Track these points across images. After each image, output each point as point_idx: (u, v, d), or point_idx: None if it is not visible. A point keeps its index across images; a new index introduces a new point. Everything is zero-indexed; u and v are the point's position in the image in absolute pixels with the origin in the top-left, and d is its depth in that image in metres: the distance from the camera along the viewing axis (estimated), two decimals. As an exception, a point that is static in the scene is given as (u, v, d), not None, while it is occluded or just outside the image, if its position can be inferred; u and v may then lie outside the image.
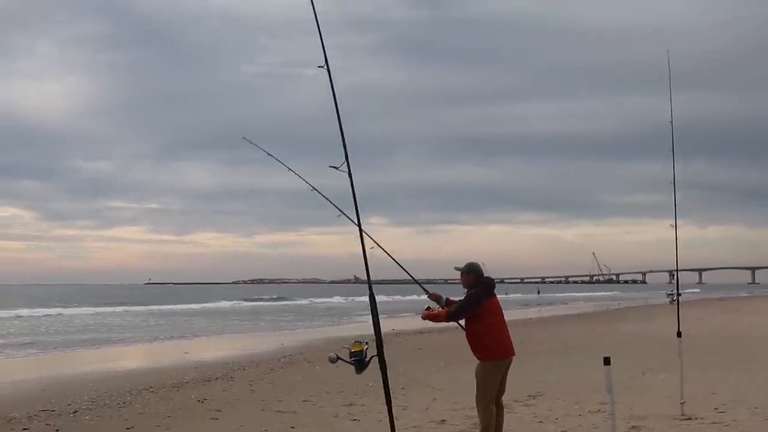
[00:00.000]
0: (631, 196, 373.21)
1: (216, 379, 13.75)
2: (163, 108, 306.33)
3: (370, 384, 12.20)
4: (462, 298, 7.08)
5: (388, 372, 5.26)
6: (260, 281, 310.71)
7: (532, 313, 45.53)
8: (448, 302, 7.37)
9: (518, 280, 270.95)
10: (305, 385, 12.55)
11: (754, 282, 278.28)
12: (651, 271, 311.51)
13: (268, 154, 6.75)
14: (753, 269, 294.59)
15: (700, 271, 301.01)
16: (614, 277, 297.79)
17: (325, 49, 5.43)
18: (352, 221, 5.30)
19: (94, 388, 12.75)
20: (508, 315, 7.58)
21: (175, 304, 59.82)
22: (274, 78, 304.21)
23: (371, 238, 5.75)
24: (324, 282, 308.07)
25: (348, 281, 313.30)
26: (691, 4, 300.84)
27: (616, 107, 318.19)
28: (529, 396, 10.52)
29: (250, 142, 6.79)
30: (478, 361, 6.95)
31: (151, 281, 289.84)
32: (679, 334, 8.16)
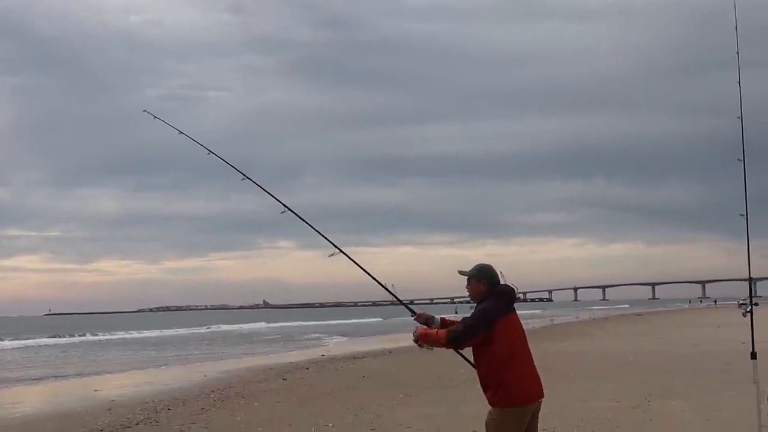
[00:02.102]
0: (534, 215, 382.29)
1: (137, 424, 11.38)
2: (63, 133, 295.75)
3: (330, 425, 10.23)
4: (467, 316, 5.19)
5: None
6: (167, 308, 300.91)
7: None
8: (444, 324, 5.45)
9: (428, 301, 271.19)
10: (250, 429, 10.37)
11: (654, 297, 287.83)
12: (557, 289, 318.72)
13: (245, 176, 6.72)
14: (653, 285, 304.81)
15: (603, 287, 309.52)
16: (521, 296, 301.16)
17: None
18: (333, 245, 5.85)
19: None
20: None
21: (77, 336, 55.63)
22: (179, 101, 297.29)
23: (351, 258, 5.90)
24: (233, 308, 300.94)
25: (257, 306, 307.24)
26: (589, 29, 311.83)
27: (519, 128, 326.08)
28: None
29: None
30: (489, 407, 5.03)
31: (51, 312, 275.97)
32: (753, 356, 6.45)
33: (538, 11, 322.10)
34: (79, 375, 22.80)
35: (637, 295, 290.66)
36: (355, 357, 23.98)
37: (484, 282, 5.26)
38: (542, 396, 5.18)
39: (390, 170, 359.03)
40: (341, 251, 6.23)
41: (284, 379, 17.11)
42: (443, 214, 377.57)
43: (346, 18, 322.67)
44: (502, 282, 5.34)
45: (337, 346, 34.85)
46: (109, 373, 23.19)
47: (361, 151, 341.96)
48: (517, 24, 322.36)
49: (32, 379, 21.95)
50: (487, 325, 5.00)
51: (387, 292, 6.00)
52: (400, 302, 6.12)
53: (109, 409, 13.22)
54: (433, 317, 5.55)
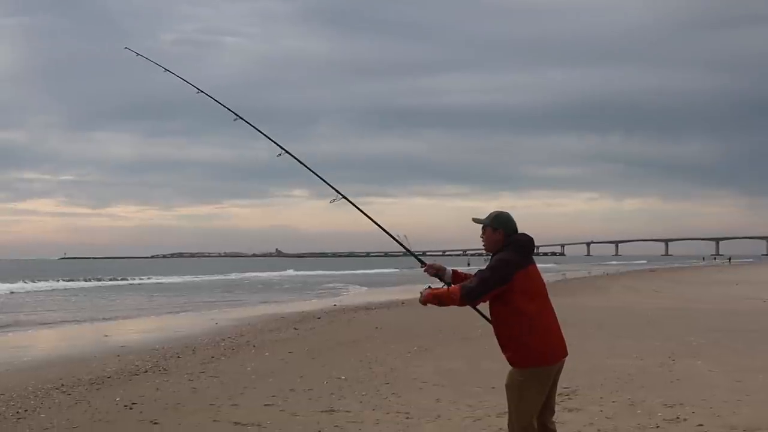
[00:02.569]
0: (550, 168, 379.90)
1: (145, 372, 11.10)
2: (77, 76, 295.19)
3: (342, 377, 9.90)
4: (483, 268, 4.73)
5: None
6: (180, 255, 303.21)
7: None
8: (457, 278, 5.01)
9: (440, 253, 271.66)
10: (261, 380, 10.05)
11: (667, 254, 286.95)
12: (569, 244, 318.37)
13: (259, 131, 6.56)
14: (666, 241, 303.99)
15: (616, 243, 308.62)
16: (535, 249, 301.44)
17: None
18: (335, 189, 5.62)
19: (-12, 389, 9.99)
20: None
21: (91, 280, 55.85)
22: (193, 45, 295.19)
23: (356, 206, 5.71)
24: (246, 255, 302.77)
25: (270, 254, 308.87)
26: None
27: (538, 80, 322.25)
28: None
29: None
30: (509, 366, 4.65)
31: (66, 255, 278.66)
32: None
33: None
34: (91, 320, 22.64)
35: (650, 251, 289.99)
36: (367, 308, 23.72)
37: (500, 231, 4.81)
38: (566, 354, 4.77)
39: (406, 121, 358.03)
40: (344, 197, 5.84)
41: (296, 329, 16.84)
42: (458, 165, 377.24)
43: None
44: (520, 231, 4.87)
45: (350, 296, 34.65)
46: (121, 318, 23.00)
47: (377, 101, 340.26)
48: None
49: (44, 323, 21.82)
50: (505, 278, 4.57)
51: (399, 243, 5.59)
52: (410, 253, 5.73)
53: (118, 356, 12.96)
54: (444, 268, 5.13)
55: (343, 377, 9.92)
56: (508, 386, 4.67)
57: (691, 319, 16.97)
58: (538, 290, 4.69)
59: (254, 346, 13.88)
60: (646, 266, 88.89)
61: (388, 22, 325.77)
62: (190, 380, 10.16)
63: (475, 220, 4.95)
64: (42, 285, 46.66)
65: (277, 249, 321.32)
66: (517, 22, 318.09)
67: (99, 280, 55.74)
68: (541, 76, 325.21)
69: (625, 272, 63.26)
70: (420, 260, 5.32)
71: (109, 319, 22.86)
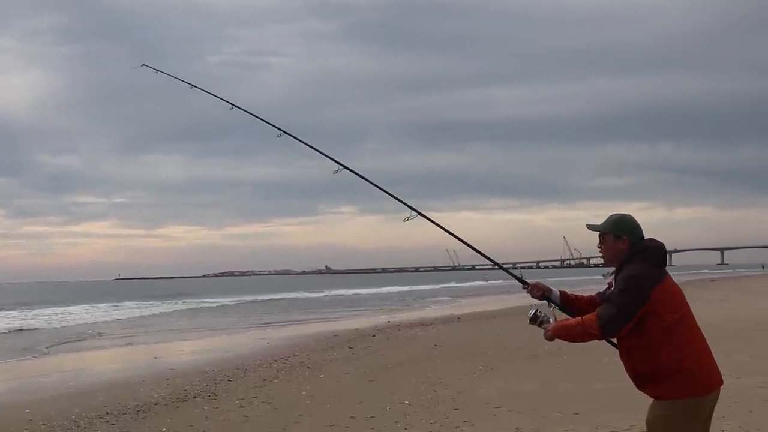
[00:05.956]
0: (600, 179, 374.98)
1: (194, 397, 10.44)
2: (128, 100, 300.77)
3: (406, 401, 9.09)
4: (609, 289, 3.88)
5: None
6: (230, 273, 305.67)
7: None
8: (566, 300, 4.14)
9: (489, 267, 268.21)
10: (317, 405, 9.29)
11: (722, 263, 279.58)
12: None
13: (309, 145, 5.99)
14: (722, 250, 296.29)
15: (670, 253, 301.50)
16: (585, 261, 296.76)
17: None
18: (408, 206, 5.01)
19: (30, 415, 9.43)
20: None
21: (146, 300, 55.88)
22: (240, 67, 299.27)
23: (430, 220, 5.05)
24: (295, 273, 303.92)
25: (319, 271, 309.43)
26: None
27: (583, 91, 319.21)
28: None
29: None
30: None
31: (120, 276, 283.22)
32: None
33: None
34: (141, 342, 22.20)
35: (705, 260, 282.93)
36: (422, 324, 22.86)
37: (624, 239, 3.93)
38: (722, 382, 3.86)
39: (452, 135, 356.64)
40: (420, 213, 5.06)
41: (350, 348, 16.08)
42: (506, 178, 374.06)
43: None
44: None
45: (404, 312, 33.79)
46: (171, 341, 22.48)
47: (422, 115, 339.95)
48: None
49: (93, 347, 21.44)
50: (644, 298, 3.69)
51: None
52: (500, 266, 5.06)
53: (167, 379, 12.34)
54: (551, 289, 4.26)
55: (407, 402, 9.11)
56: (650, 423, 3.78)
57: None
58: (681, 307, 3.83)
59: (308, 367, 13.14)
60: (705, 275, 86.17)
61: (430, 36, 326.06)
62: (241, 407, 9.44)
63: (591, 227, 4.08)
64: (105, 306, 46.55)
65: (326, 266, 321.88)
66: (561, 32, 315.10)
67: (155, 301, 55.56)
68: (588, 86, 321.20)
69: (682, 282, 61.14)
70: (521, 280, 4.46)
71: (163, 341, 22.34)
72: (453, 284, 78.58)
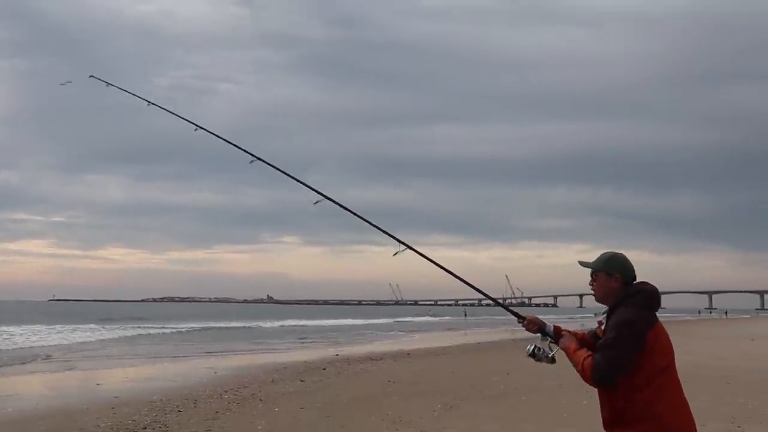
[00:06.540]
0: (542, 220, 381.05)
1: (144, 428, 9.99)
2: (70, 118, 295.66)
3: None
4: (600, 327, 3.83)
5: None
6: (170, 299, 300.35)
7: (496, 334, 42.53)
8: (560, 335, 4.05)
9: (432, 302, 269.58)
10: (275, 440, 8.98)
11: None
12: (561, 295, 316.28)
13: (288, 175, 5.85)
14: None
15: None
16: (526, 300, 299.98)
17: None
18: (397, 240, 4.93)
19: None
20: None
21: (84, 323, 54.29)
22: (186, 91, 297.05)
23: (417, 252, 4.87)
24: (236, 301, 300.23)
25: (262, 300, 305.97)
26: (597, 36, 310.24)
27: (528, 133, 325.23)
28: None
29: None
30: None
31: (55, 297, 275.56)
32: None
33: (551, 16, 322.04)
34: (82, 367, 21.41)
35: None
36: (371, 358, 22.57)
37: (617, 277, 3.86)
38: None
39: (397, 170, 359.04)
40: (409, 247, 4.95)
41: (302, 381, 15.72)
42: (450, 215, 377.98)
43: (358, 16, 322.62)
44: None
45: (351, 346, 33.42)
46: (113, 367, 21.72)
47: (368, 150, 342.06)
48: (530, 28, 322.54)
49: (28, 371, 20.61)
50: (639, 345, 3.61)
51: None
52: (499, 303, 4.89)
53: (113, 408, 11.85)
54: (545, 323, 4.16)
55: (366, 439, 8.86)
56: None
57: (729, 377, 15.78)
58: (668, 354, 3.73)
59: (261, 399, 12.77)
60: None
61: (379, 73, 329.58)
62: (195, 440, 9.06)
63: (583, 264, 4.00)
64: (38, 327, 45.04)
65: (268, 295, 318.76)
66: (507, 75, 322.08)
67: (89, 324, 54.08)
68: (532, 128, 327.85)
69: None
70: (516, 314, 4.34)
71: (102, 367, 21.59)
72: (399, 319, 78.39)
